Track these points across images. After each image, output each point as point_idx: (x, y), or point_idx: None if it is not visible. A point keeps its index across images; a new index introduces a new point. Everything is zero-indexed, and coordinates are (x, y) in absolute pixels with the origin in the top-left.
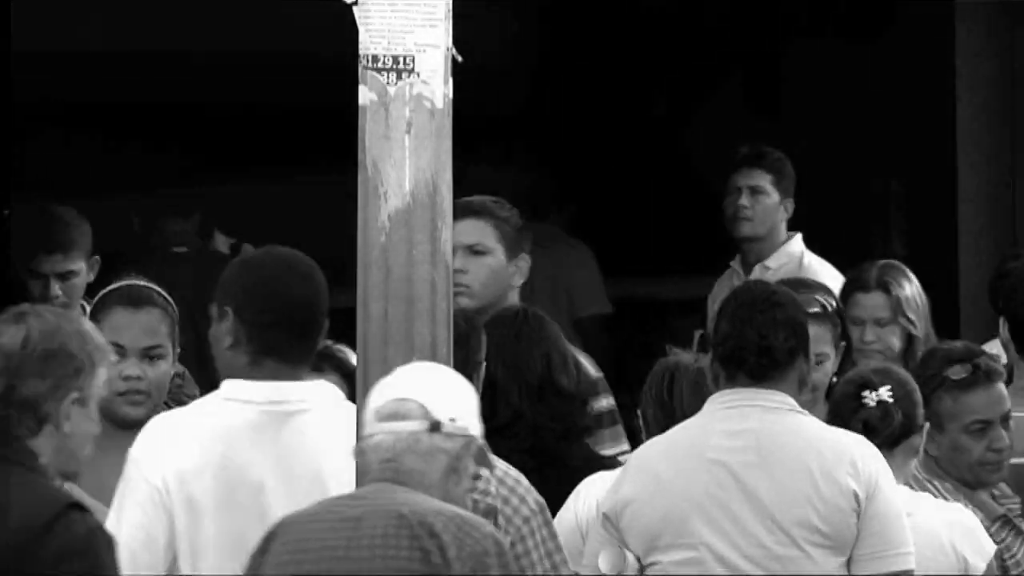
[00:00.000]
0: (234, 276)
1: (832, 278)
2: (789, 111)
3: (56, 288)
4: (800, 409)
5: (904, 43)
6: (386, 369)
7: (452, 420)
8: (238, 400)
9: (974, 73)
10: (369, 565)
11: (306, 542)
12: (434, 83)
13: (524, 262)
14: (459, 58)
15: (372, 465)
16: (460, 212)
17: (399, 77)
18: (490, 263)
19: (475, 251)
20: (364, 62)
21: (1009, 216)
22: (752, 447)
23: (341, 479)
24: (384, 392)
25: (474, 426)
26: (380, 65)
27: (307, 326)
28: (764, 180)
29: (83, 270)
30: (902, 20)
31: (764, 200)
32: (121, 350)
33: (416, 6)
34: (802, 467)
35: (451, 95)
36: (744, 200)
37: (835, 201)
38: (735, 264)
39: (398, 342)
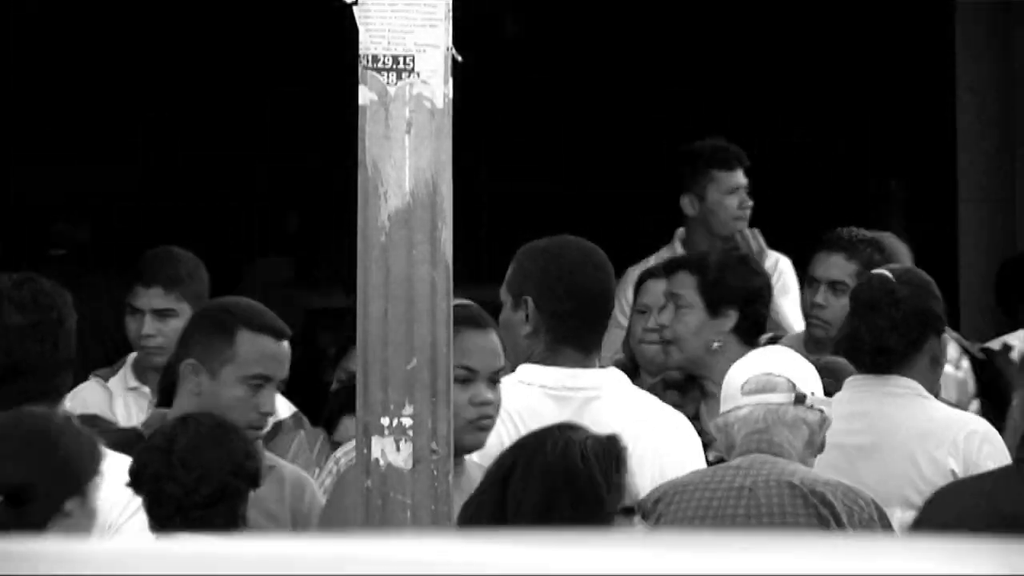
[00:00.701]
0: (533, 266)
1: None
2: (789, 110)
3: (150, 326)
4: (925, 393)
5: (904, 43)
6: (386, 369)
7: (812, 394)
8: (533, 384)
9: (974, 73)
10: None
11: (705, 508)
12: (434, 83)
13: None
14: (459, 58)
15: (736, 437)
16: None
17: (399, 77)
18: None
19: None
20: (364, 62)
21: (1009, 216)
22: (866, 431)
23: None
24: (748, 369)
25: (826, 405)
26: (380, 65)
27: (601, 315)
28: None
29: (185, 313)
30: (902, 20)
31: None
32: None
33: (416, 6)
34: (907, 450)
35: (451, 95)
36: (748, 200)
37: (835, 201)
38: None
39: (398, 342)
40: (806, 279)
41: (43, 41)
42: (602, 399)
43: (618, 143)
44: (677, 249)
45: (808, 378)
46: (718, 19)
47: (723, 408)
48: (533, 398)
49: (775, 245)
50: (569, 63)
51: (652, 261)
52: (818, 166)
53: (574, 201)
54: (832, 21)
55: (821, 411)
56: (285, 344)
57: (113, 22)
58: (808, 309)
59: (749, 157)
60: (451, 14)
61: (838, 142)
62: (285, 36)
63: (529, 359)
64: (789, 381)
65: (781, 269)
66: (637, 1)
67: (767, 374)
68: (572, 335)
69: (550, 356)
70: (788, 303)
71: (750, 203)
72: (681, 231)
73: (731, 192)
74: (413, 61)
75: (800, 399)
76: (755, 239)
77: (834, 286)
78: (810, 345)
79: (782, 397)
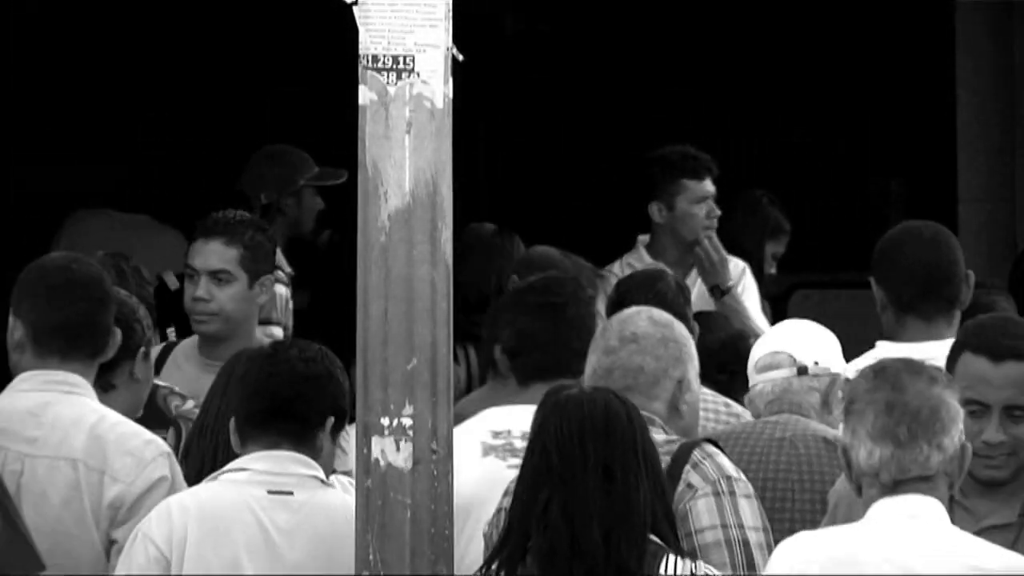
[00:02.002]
0: (881, 250)
1: None
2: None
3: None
4: None
5: (904, 43)
6: (386, 369)
7: (816, 363)
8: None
9: (974, 73)
10: (804, 480)
11: (749, 456)
12: (434, 83)
13: None
14: (460, 57)
15: (760, 409)
16: None
17: (399, 77)
18: None
19: None
20: (364, 62)
21: (1009, 216)
22: None
23: None
24: (759, 348)
25: (837, 365)
26: (380, 65)
27: (942, 286)
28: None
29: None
30: (902, 19)
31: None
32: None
33: (416, 6)
34: None
35: (451, 95)
36: (715, 209)
37: (835, 201)
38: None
39: (398, 342)
40: None
41: (43, 41)
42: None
43: (618, 143)
44: (643, 255)
45: (813, 347)
46: (718, 19)
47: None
48: None
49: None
50: (569, 63)
51: (616, 267)
52: (818, 166)
53: (574, 201)
54: (832, 21)
55: (834, 374)
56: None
57: (113, 22)
58: None
59: (749, 157)
60: (451, 14)
61: (838, 142)
62: (285, 36)
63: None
64: (790, 356)
65: (744, 271)
66: (638, 1)
67: (772, 352)
68: (916, 308)
69: (900, 331)
70: (751, 304)
71: (718, 212)
72: (644, 238)
73: (700, 201)
74: (413, 61)
75: (802, 371)
76: (716, 250)
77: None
78: None
79: (785, 372)
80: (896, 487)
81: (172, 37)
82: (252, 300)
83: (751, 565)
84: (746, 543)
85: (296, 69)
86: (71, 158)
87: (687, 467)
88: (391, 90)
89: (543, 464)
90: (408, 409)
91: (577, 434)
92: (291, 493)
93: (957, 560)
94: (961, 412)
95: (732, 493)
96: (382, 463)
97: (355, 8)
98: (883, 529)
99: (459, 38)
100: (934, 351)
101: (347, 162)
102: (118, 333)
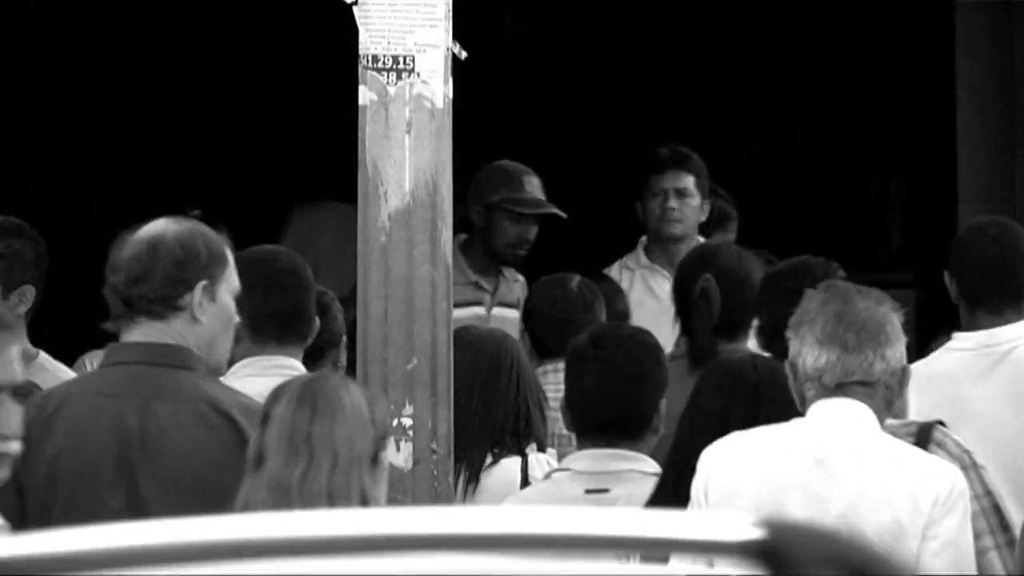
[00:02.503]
0: (954, 247)
1: None
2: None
3: None
4: None
5: (904, 42)
6: (386, 369)
7: None
8: (961, 349)
9: (974, 73)
10: None
11: None
12: (434, 83)
13: None
14: (463, 55)
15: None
16: None
17: (399, 77)
18: None
19: None
20: (364, 62)
21: (1009, 216)
22: None
23: None
24: None
25: None
26: (380, 65)
27: (1008, 280)
28: (689, 182)
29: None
30: (902, 19)
31: (690, 202)
32: None
33: (416, 6)
34: None
35: (451, 95)
36: (672, 202)
37: (835, 201)
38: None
39: (398, 342)
40: None
41: (43, 41)
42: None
43: (618, 143)
44: (640, 257)
45: None
46: (718, 19)
47: None
48: (955, 358)
49: (775, 246)
50: (569, 63)
51: (616, 268)
52: (818, 166)
53: (574, 201)
54: (832, 21)
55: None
56: None
57: (113, 22)
58: None
59: (749, 157)
60: (451, 14)
61: (838, 142)
62: (285, 36)
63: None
64: None
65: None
66: (638, 1)
67: None
68: (986, 301)
69: (972, 322)
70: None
71: (673, 205)
72: (644, 238)
73: (655, 196)
74: (413, 61)
75: None
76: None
77: None
78: None
79: None
80: (836, 389)
81: (172, 37)
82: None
83: (1004, 527)
84: (996, 508)
85: (296, 69)
86: (71, 158)
87: (931, 446)
88: (391, 90)
89: None
90: (408, 409)
91: None
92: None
93: (879, 456)
94: (903, 336)
95: (975, 465)
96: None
97: (355, 8)
98: (813, 426)
99: (459, 38)
100: (1011, 333)
101: (347, 162)
102: (318, 320)
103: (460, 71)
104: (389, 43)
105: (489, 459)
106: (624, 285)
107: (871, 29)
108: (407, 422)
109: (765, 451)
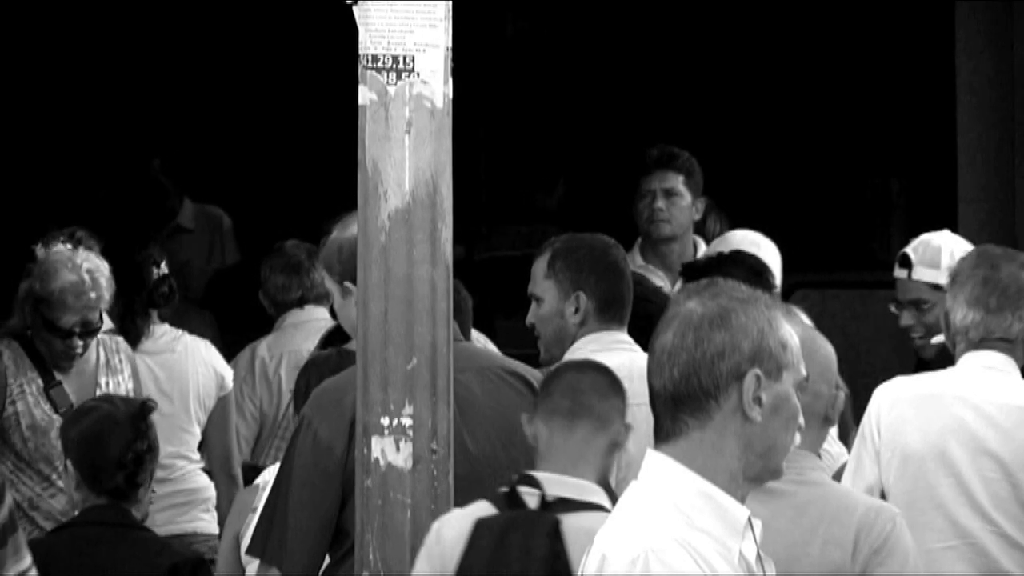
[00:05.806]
0: None
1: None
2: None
3: None
4: None
5: (904, 42)
6: (386, 369)
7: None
8: None
9: (974, 73)
10: None
11: None
12: (434, 83)
13: None
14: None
15: None
16: None
17: (399, 77)
18: None
19: None
20: (364, 62)
21: (1009, 216)
22: None
23: None
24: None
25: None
26: (380, 65)
27: None
28: (677, 181)
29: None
30: (902, 19)
31: (679, 201)
32: None
33: (416, 6)
34: None
35: (451, 95)
36: (660, 203)
37: (835, 201)
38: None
39: (398, 342)
40: None
41: (43, 41)
42: None
43: (618, 143)
44: (635, 257)
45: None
46: (719, 20)
47: None
48: None
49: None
50: (570, 63)
51: None
52: (818, 166)
53: (574, 201)
54: (832, 21)
55: None
56: None
57: (113, 22)
58: None
59: (750, 157)
60: (451, 14)
61: (838, 142)
62: (285, 36)
63: None
64: None
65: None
66: (638, 1)
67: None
68: None
69: None
70: None
71: (661, 206)
72: (639, 239)
73: (643, 197)
74: (413, 61)
75: None
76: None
77: None
78: None
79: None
80: (980, 343)
81: (172, 38)
82: None
83: None
84: None
85: (296, 69)
86: (70, 158)
87: None
88: (391, 90)
89: None
90: (408, 409)
91: None
92: None
93: (1021, 400)
94: None
95: None
96: (382, 463)
97: (355, 8)
98: (964, 374)
99: (459, 38)
100: None
101: (347, 162)
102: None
103: (460, 72)
104: (389, 43)
105: None
106: None
107: (871, 29)
108: (407, 422)
109: (926, 394)
